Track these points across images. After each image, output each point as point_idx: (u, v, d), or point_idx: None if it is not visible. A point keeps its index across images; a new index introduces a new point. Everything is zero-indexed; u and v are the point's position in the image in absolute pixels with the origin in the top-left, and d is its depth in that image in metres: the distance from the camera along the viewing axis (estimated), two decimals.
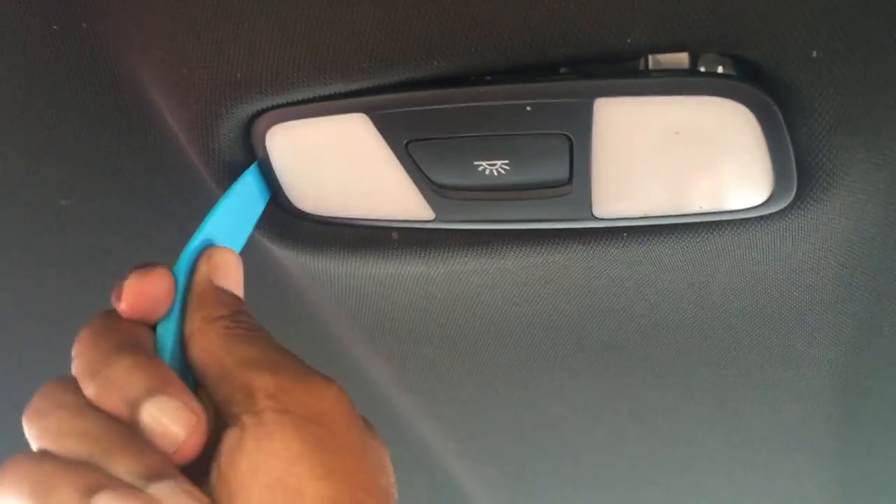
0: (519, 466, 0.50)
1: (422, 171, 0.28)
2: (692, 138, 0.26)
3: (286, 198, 0.31)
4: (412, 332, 0.37)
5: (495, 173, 0.27)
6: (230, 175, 0.31)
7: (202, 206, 0.35)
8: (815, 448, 0.43)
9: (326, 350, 0.42)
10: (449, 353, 0.39)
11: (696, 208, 0.27)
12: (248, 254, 0.37)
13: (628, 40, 0.24)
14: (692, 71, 0.25)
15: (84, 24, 0.29)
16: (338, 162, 0.29)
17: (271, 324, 0.42)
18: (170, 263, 0.28)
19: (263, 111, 0.28)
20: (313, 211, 0.32)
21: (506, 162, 0.27)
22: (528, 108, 0.26)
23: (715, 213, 0.27)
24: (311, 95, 0.27)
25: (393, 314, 0.36)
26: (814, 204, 0.27)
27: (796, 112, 0.25)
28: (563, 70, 0.26)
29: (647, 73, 0.25)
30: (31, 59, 0.31)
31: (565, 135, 0.26)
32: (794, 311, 0.32)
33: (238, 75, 0.27)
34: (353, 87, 0.27)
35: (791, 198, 0.27)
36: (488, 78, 0.26)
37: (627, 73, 0.25)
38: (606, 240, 0.29)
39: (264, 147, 0.30)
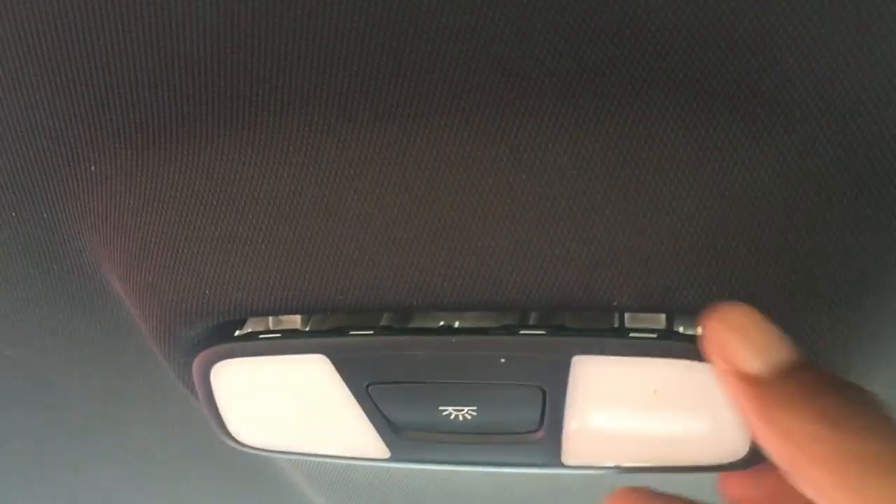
0: None
1: (381, 413, 0.27)
2: (670, 397, 0.25)
3: (229, 433, 0.30)
4: None
5: (461, 418, 0.27)
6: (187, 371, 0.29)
7: (156, 387, 0.34)
8: None
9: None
10: None
11: (669, 462, 0.27)
12: None
13: (614, 304, 0.24)
14: (669, 332, 0.25)
15: (45, 215, 0.28)
16: (289, 400, 0.28)
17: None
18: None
19: (212, 343, 0.27)
20: (259, 445, 0.30)
21: (473, 409, 0.27)
22: (502, 361, 0.25)
23: (690, 466, 0.27)
24: (270, 331, 0.26)
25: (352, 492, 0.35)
26: None
27: None
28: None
29: (624, 331, 0.25)
30: None
31: (539, 386, 0.26)
32: None
33: (207, 292, 0.26)
34: (316, 327, 0.26)
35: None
36: (458, 326, 0.26)
37: (604, 331, 0.25)
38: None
39: (208, 381, 0.28)
